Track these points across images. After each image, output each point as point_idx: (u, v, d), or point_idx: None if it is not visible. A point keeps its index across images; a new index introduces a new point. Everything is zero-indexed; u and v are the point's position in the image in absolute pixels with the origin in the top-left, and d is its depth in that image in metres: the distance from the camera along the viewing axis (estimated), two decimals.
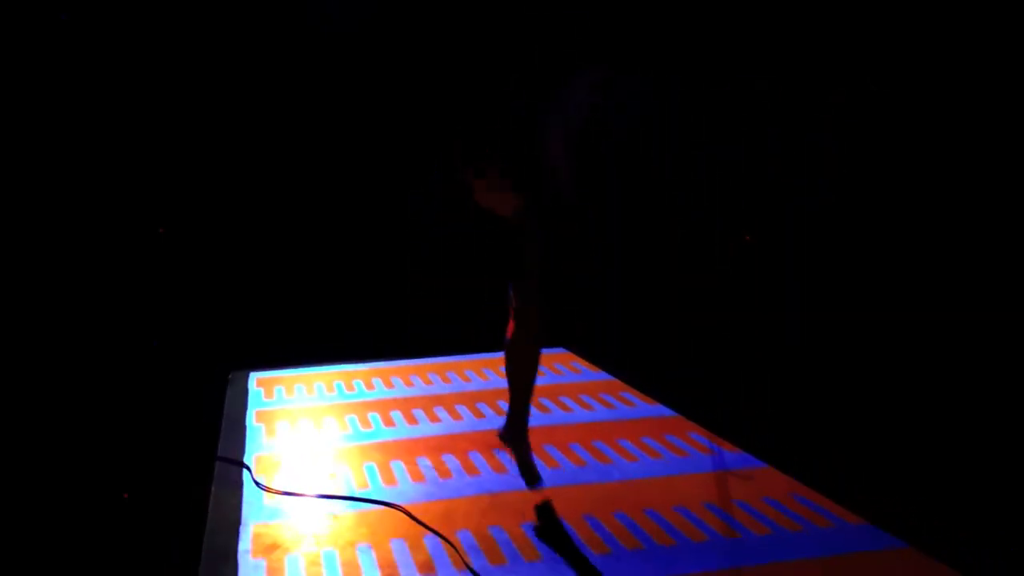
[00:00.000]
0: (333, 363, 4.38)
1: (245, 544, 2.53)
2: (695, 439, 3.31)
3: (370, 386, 4.01)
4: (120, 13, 5.04)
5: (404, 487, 2.91)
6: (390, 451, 3.22)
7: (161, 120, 5.24)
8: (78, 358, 4.33)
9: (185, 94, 5.27)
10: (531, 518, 2.68)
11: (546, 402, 3.73)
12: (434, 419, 3.56)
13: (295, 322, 5.18)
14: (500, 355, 2.80)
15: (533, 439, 2.86)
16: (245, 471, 3.05)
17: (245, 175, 5.52)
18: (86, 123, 5.04)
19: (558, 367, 4.28)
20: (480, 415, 3.61)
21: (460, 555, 2.46)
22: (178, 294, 5.19)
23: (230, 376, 4.20)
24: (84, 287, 4.88)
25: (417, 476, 3.00)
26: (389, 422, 3.53)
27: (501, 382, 3.63)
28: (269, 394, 3.93)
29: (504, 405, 2.98)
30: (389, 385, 4.02)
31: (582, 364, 4.35)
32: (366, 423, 3.52)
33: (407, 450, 3.22)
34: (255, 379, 4.16)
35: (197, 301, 5.22)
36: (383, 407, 3.70)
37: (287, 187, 5.63)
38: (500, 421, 3.11)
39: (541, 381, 3.08)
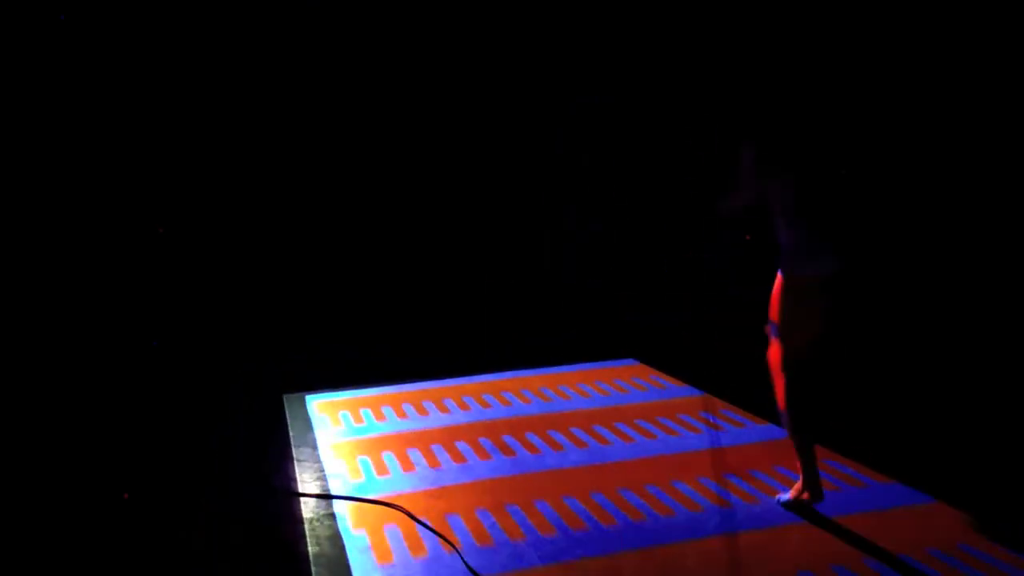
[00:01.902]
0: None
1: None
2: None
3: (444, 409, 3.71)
4: (119, 13, 5.03)
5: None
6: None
7: (163, 120, 5.23)
8: (78, 358, 4.32)
9: (196, 94, 5.26)
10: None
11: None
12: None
13: (293, 322, 5.18)
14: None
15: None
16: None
17: (248, 177, 5.52)
18: (86, 123, 5.03)
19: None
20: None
21: (461, 557, 2.46)
22: (178, 294, 5.18)
23: (284, 398, 3.88)
24: (84, 287, 4.88)
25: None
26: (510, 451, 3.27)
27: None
28: (336, 421, 3.58)
29: None
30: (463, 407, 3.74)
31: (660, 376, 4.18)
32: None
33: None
34: (314, 404, 3.80)
35: (197, 301, 5.22)
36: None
37: (288, 189, 5.63)
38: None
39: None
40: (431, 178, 5.85)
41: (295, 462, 3.14)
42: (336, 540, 2.57)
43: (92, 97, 5.02)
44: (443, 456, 3.18)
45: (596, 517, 2.70)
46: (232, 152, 5.43)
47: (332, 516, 2.73)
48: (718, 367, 4.11)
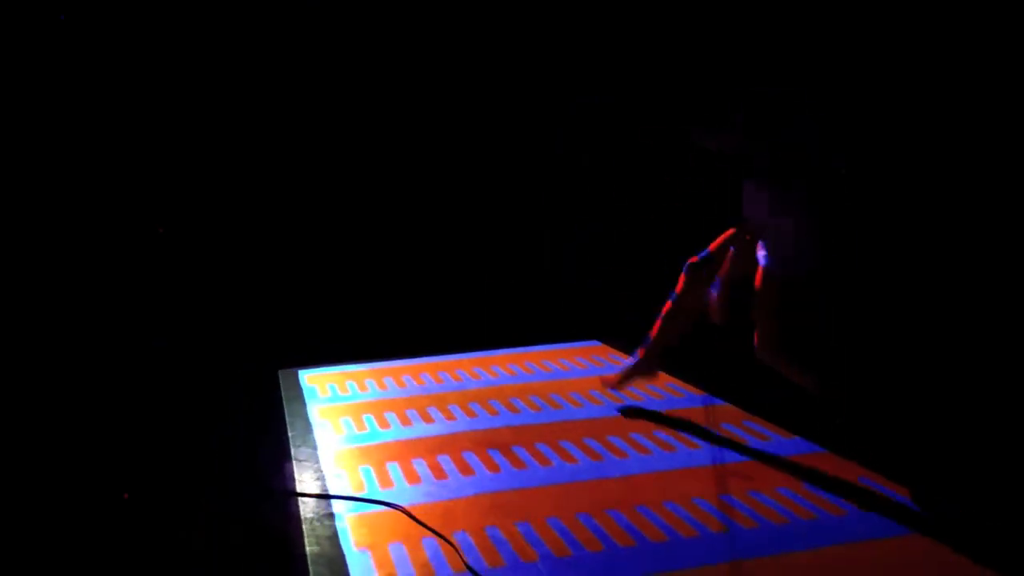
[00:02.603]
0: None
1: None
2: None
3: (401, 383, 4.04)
4: (119, 13, 5.03)
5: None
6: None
7: (162, 120, 5.23)
8: (78, 357, 4.32)
9: (196, 94, 5.27)
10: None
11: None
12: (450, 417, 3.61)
13: (291, 320, 5.19)
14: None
15: None
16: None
17: (248, 177, 5.52)
18: (86, 123, 5.03)
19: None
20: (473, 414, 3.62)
21: (460, 556, 2.46)
22: (178, 294, 5.19)
23: (279, 373, 4.20)
24: (84, 287, 4.88)
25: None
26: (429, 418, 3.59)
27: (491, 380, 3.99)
28: (324, 391, 3.93)
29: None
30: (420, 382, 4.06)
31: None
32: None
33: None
34: (305, 376, 4.17)
35: (197, 301, 5.22)
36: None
37: (289, 190, 5.63)
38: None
39: None
40: (429, 178, 5.86)
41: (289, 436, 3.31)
42: (336, 540, 2.57)
43: (92, 97, 5.03)
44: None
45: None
46: (232, 152, 5.44)
47: (331, 516, 2.73)
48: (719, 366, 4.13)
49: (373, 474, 3.02)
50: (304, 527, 2.65)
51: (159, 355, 4.44)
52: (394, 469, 3.06)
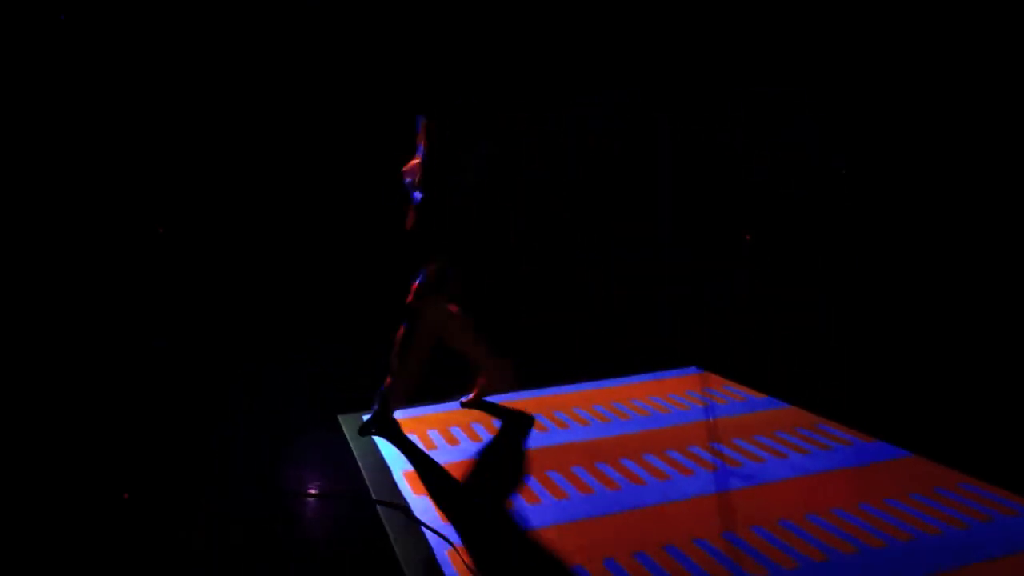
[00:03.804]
0: None
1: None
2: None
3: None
4: (119, 13, 5.03)
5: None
6: None
7: (162, 120, 5.23)
8: (78, 357, 4.32)
9: (196, 94, 5.27)
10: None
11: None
12: None
13: (293, 321, 5.18)
14: None
15: None
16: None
17: (249, 176, 5.52)
18: (86, 123, 5.03)
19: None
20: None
21: (460, 556, 2.46)
22: (178, 294, 5.18)
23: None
24: (84, 287, 4.88)
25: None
26: None
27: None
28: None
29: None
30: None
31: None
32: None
33: None
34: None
35: (197, 301, 5.22)
36: None
37: (290, 191, 5.63)
38: None
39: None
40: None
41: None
42: (336, 539, 2.57)
43: (92, 97, 5.02)
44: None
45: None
46: (232, 151, 5.43)
47: (332, 517, 2.73)
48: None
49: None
50: (306, 527, 2.65)
51: (159, 355, 4.44)
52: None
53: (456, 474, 3.01)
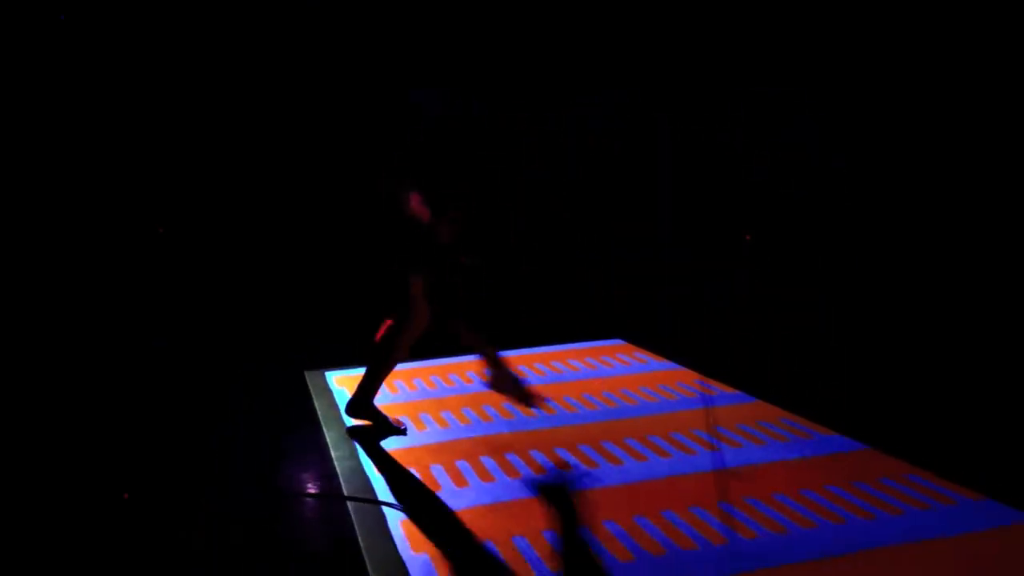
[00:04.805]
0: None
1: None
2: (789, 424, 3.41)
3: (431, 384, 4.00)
4: (119, 13, 5.03)
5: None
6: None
7: (162, 120, 5.23)
8: (78, 357, 4.32)
9: (195, 94, 5.27)
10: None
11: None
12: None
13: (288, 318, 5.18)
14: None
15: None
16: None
17: (249, 176, 5.52)
18: (86, 123, 5.03)
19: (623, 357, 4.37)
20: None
21: (460, 557, 2.46)
22: (178, 294, 5.18)
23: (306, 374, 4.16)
24: (84, 287, 4.88)
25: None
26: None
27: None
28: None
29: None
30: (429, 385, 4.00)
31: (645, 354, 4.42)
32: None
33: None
34: (333, 378, 4.13)
35: (197, 300, 5.22)
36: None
37: (290, 192, 5.63)
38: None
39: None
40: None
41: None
42: (337, 539, 2.56)
43: (92, 97, 5.02)
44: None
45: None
46: (232, 151, 5.43)
47: (333, 517, 2.73)
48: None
49: (418, 475, 3.01)
50: (306, 527, 2.65)
51: (159, 355, 4.44)
52: (439, 471, 3.02)
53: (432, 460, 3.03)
